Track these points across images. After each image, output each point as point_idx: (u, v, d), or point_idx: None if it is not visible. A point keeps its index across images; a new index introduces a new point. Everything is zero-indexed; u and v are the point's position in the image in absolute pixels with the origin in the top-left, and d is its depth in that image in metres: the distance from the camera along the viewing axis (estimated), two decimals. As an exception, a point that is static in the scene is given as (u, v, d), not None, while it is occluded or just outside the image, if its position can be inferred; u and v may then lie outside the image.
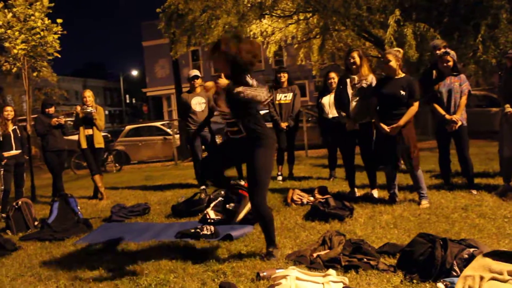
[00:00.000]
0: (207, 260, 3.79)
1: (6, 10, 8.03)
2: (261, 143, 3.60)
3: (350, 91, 5.55)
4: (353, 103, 5.54)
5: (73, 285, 3.59)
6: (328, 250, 3.70)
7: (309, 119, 13.17)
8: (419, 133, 11.59)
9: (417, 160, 5.13)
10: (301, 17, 12.80)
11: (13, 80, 8.45)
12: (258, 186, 3.63)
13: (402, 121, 5.02)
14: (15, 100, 19.77)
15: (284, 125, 7.41)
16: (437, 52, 5.92)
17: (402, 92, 5.02)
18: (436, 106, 5.53)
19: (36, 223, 5.88)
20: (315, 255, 3.63)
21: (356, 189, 5.93)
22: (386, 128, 5.07)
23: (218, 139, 17.08)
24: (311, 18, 12.74)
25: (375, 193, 5.68)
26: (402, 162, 5.81)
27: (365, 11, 10.56)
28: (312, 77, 22.26)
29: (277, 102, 7.48)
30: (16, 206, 5.81)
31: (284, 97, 7.48)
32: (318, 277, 2.95)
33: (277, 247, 3.79)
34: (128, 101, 59.29)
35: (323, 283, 2.87)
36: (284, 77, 7.54)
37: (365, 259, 3.37)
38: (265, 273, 3.28)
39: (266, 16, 13.17)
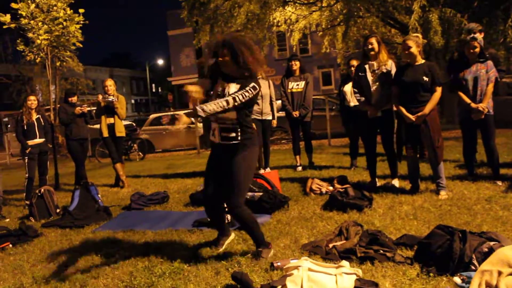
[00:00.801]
0: (222, 250, 3.79)
1: (29, 1, 8.12)
2: (248, 146, 3.47)
3: (370, 77, 5.44)
4: (374, 90, 5.43)
5: (89, 271, 3.63)
6: (344, 241, 3.64)
7: (333, 107, 13.02)
8: (445, 122, 11.36)
9: (441, 150, 4.99)
10: (325, 4, 12.59)
11: (41, 70, 8.59)
12: (239, 191, 3.45)
13: (427, 109, 4.89)
14: (42, 90, 20.15)
15: (295, 114, 7.34)
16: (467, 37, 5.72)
17: (425, 78, 4.88)
18: (461, 94, 5.36)
19: (58, 210, 5.99)
20: (331, 245, 3.58)
21: (377, 179, 5.81)
22: (411, 117, 4.94)
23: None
24: (335, 5, 12.52)
25: (396, 183, 5.58)
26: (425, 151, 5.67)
27: (390, -3, 10.32)
28: (337, 65, 21.98)
29: (289, 90, 7.43)
30: (39, 194, 5.93)
31: (296, 86, 7.41)
32: (331, 268, 2.89)
33: (268, 246, 3.59)
34: (154, 90, 59.86)
35: (335, 275, 2.81)
36: (295, 65, 7.47)
37: (381, 251, 3.30)
38: (279, 263, 3.25)
39: (290, 3, 13.00)
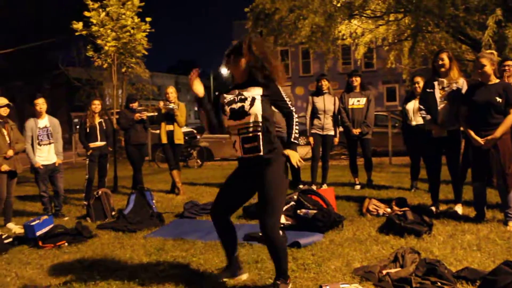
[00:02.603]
0: (271, 267, 3.68)
1: (100, 10, 8.48)
2: (274, 159, 3.13)
3: (438, 94, 5.16)
4: (441, 108, 5.14)
5: (136, 277, 3.64)
6: (399, 269, 3.43)
7: (396, 124, 12.62)
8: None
9: (512, 177, 4.63)
10: (392, 18, 12.24)
11: (109, 75, 8.98)
12: (272, 210, 3.10)
13: (498, 133, 4.55)
14: (110, 94, 21.02)
15: (356, 131, 7.14)
16: None
17: (498, 99, 4.56)
18: None
19: (113, 213, 6.13)
20: (384, 272, 3.38)
21: (438, 203, 5.49)
22: (480, 140, 4.62)
23: (302, 141, 16.89)
24: (402, 19, 12.14)
25: (459, 209, 5.23)
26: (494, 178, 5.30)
27: (462, 11, 9.81)
28: (403, 81, 21.34)
29: (349, 107, 7.24)
30: (97, 196, 6.10)
31: (357, 102, 7.25)
32: (382, 299, 2.71)
33: (288, 281, 3.20)
34: (217, 98, 60.91)
35: (387, 307, 2.63)
36: (356, 81, 7.32)
37: (439, 283, 3.07)
38: (328, 287, 3.11)
39: (356, 16, 12.74)
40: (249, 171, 3.23)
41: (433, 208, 5.34)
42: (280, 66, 3.24)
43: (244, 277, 3.51)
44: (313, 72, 29.88)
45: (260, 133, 3.10)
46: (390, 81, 26.16)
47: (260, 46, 3.20)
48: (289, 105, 3.22)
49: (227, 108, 3.20)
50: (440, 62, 5.14)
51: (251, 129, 3.11)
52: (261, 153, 3.10)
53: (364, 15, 12.44)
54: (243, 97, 3.15)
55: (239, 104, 3.13)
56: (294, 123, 3.20)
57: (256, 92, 3.14)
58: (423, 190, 6.74)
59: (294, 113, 3.22)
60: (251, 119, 3.10)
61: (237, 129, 3.16)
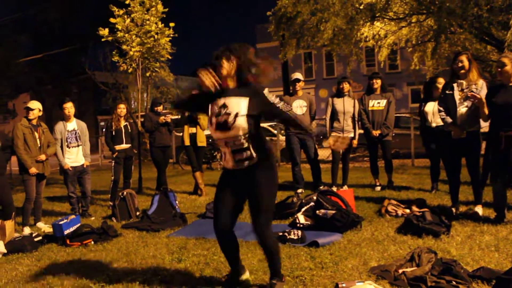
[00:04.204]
0: (289, 265, 3.78)
1: (125, 16, 8.73)
2: (266, 165, 3.14)
3: (457, 96, 5.17)
4: (461, 109, 5.15)
5: (159, 274, 3.78)
6: (415, 268, 3.47)
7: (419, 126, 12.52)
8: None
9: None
10: (414, 20, 12.16)
11: (135, 79, 9.22)
12: (264, 213, 3.13)
13: None
14: (135, 97, 21.39)
15: (376, 133, 7.16)
16: None
17: (518, 101, 4.55)
18: None
19: (138, 213, 6.31)
20: (400, 271, 3.44)
21: (459, 205, 5.48)
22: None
23: (325, 143, 16.83)
24: (425, 21, 12.06)
25: (479, 210, 5.21)
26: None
27: (486, 12, 9.70)
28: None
29: (369, 108, 7.26)
30: (122, 196, 6.28)
31: (377, 104, 7.26)
32: (396, 296, 2.77)
33: (282, 279, 3.30)
34: (241, 101, 61.06)
35: (400, 303, 2.69)
36: (377, 83, 7.35)
37: (454, 282, 3.11)
38: (344, 285, 3.19)
39: (378, 18, 12.70)
40: (239, 178, 3.20)
41: (453, 209, 5.34)
42: (269, 67, 3.17)
43: (247, 274, 3.50)
44: (337, 74, 29.77)
45: (249, 143, 3.08)
46: (414, 83, 25.89)
47: (245, 49, 3.18)
48: (280, 110, 3.10)
49: (214, 119, 3.14)
50: (460, 65, 5.14)
51: (239, 141, 3.08)
52: (255, 160, 3.09)
53: (387, 17, 12.39)
54: (227, 111, 3.07)
55: (223, 118, 3.07)
56: (296, 120, 3.19)
57: (241, 105, 3.06)
58: (443, 191, 6.71)
59: (289, 113, 3.12)
60: (236, 133, 3.06)
61: (224, 142, 3.13)
